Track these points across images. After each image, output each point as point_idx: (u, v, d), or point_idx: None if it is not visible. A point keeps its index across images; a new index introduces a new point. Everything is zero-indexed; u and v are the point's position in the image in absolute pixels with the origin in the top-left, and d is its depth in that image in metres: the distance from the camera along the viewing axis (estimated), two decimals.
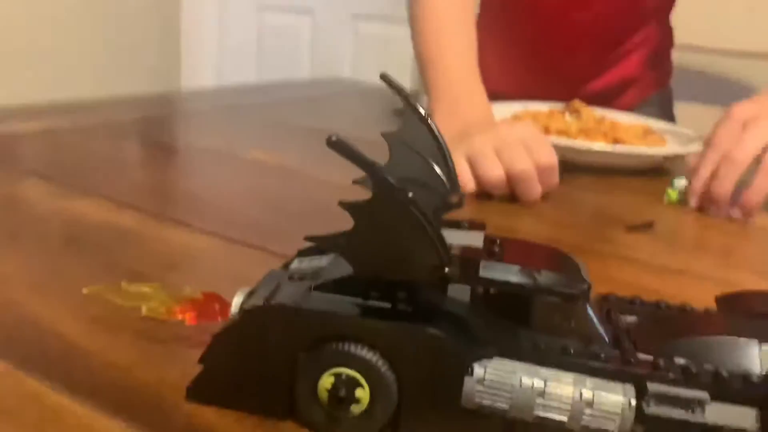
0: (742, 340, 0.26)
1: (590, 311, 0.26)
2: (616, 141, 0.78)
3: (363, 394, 0.25)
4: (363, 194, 0.24)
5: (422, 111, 0.31)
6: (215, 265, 0.41)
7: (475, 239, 0.28)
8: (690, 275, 0.46)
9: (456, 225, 0.29)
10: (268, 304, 0.26)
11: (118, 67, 0.94)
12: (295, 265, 0.31)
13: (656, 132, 0.81)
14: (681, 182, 0.64)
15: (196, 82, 1.07)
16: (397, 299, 0.26)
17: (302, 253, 0.32)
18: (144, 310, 0.31)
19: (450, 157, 0.31)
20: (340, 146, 0.20)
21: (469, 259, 0.26)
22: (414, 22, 0.77)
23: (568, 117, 0.83)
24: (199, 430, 0.26)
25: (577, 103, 0.85)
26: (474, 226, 0.29)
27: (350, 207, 0.23)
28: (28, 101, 0.78)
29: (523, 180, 0.58)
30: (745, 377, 0.24)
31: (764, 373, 0.25)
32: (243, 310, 0.26)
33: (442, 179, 0.31)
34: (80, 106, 0.82)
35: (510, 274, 0.26)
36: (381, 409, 0.25)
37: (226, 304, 0.31)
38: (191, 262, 0.42)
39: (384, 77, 0.32)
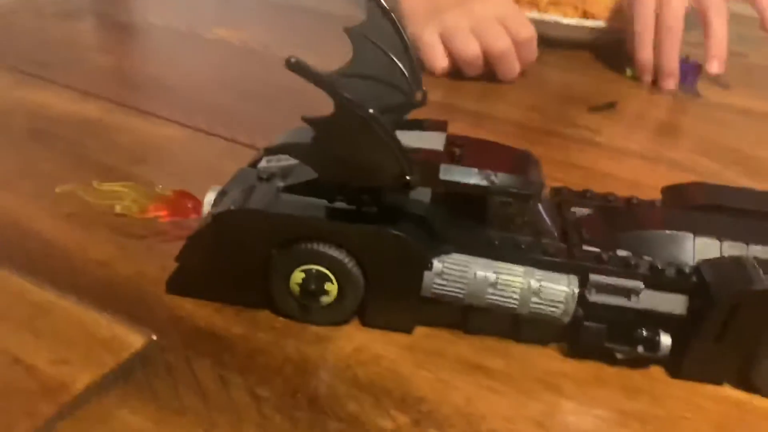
0: (679, 233, 0.28)
1: (541, 209, 0.28)
2: (585, 13, 0.77)
3: (331, 287, 0.27)
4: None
5: (386, 5, 0.31)
6: (183, 157, 0.42)
7: (436, 140, 0.29)
8: (645, 158, 0.48)
9: (419, 125, 0.30)
10: (240, 208, 0.27)
11: None
12: (263, 164, 0.31)
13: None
14: None
15: None
16: (362, 201, 0.27)
17: (269, 151, 0.32)
18: (117, 208, 0.32)
19: (414, 53, 0.31)
20: (299, 68, 0.21)
21: (430, 163, 0.27)
22: None
23: None
24: (181, 320, 0.28)
25: None
26: (436, 126, 0.30)
27: (313, 122, 0.23)
28: None
29: (502, 58, 0.57)
30: (678, 268, 0.27)
31: (695, 264, 0.27)
32: (216, 214, 0.27)
33: (405, 76, 0.31)
34: None
35: (468, 176, 0.27)
36: (349, 300, 0.28)
37: (197, 202, 0.32)
38: (159, 153, 0.42)
39: None
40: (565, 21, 0.71)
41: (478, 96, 0.57)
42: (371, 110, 0.22)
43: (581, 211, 0.32)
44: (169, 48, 0.62)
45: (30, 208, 0.35)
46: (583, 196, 0.32)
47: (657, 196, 0.33)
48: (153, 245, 0.32)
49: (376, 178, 0.26)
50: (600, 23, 0.72)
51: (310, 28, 0.71)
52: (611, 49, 0.71)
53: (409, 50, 0.31)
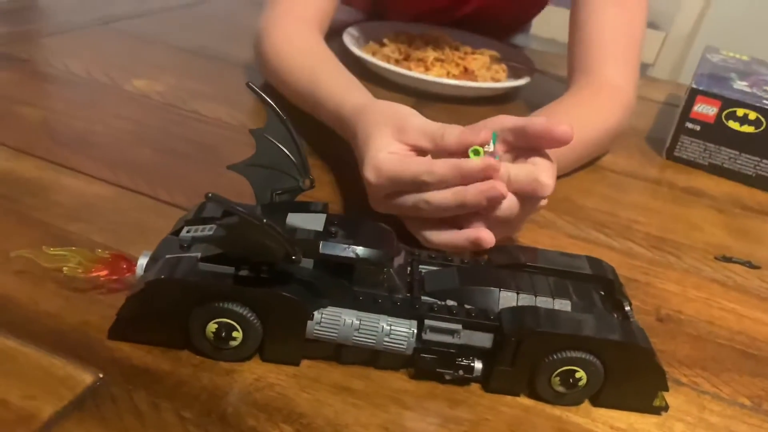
0: (490, 288, 0.40)
1: (392, 272, 0.39)
2: (465, 70, 0.90)
3: (238, 334, 0.37)
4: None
5: (281, 113, 0.41)
6: (112, 214, 0.49)
7: (318, 221, 0.39)
8: None
9: (305, 208, 0.40)
10: (167, 277, 0.36)
11: None
12: (184, 234, 0.40)
13: (502, 61, 0.94)
14: None
15: None
16: (260, 270, 0.37)
17: (189, 223, 0.41)
18: (65, 270, 0.40)
19: (303, 148, 0.41)
20: (217, 200, 0.30)
21: (312, 241, 0.37)
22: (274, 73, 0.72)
23: (429, 51, 0.92)
24: (120, 360, 0.37)
25: (435, 31, 0.95)
26: (318, 208, 0.40)
27: (226, 227, 0.33)
28: None
29: None
30: (486, 315, 0.39)
31: (498, 311, 0.39)
32: (148, 282, 0.36)
33: (296, 167, 0.41)
34: None
35: (339, 250, 0.38)
36: (251, 343, 0.37)
37: (131, 262, 0.41)
38: (91, 211, 0.49)
39: (249, 86, 0.41)
40: (444, 81, 0.83)
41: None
42: (265, 220, 0.32)
43: (426, 268, 0.43)
44: (90, 99, 0.69)
45: None
46: (429, 257, 0.44)
47: None
48: (94, 297, 0.41)
49: (270, 257, 0.35)
50: (476, 84, 0.85)
51: (218, 76, 0.80)
52: (489, 100, 0.84)
53: (299, 147, 0.41)
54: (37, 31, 0.86)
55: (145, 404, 0.34)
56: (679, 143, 0.78)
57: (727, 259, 0.58)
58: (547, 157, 0.48)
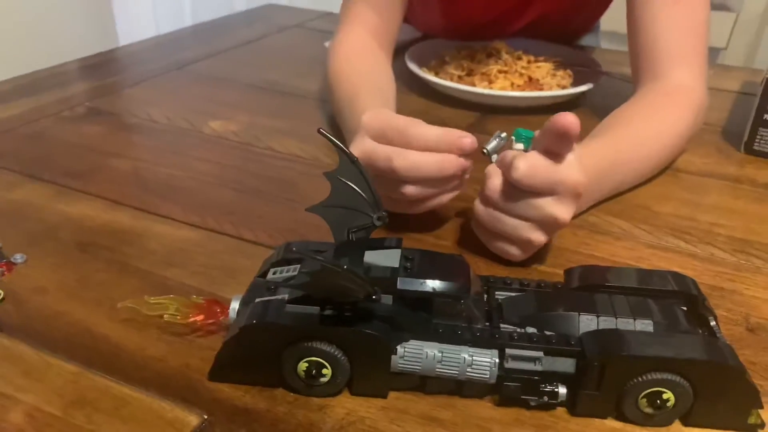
0: (569, 313, 0.40)
1: (470, 302, 0.40)
2: (530, 79, 0.90)
3: (327, 371, 0.39)
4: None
5: (352, 156, 0.43)
6: (203, 257, 0.53)
7: (393, 258, 0.40)
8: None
9: (381, 244, 0.42)
10: (260, 322, 0.38)
11: (52, 36, 0.98)
12: (270, 275, 0.43)
13: (566, 67, 0.93)
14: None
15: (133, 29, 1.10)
16: (344, 309, 0.39)
17: (275, 264, 0.44)
18: (165, 317, 0.43)
19: (374, 187, 0.43)
20: (299, 251, 0.32)
21: (389, 279, 0.39)
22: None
23: (492, 64, 0.92)
24: (220, 399, 0.40)
25: (498, 44, 0.95)
26: (393, 243, 0.42)
27: (310, 275, 0.35)
28: None
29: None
30: (567, 340, 0.39)
31: (579, 336, 0.39)
32: (242, 327, 0.39)
33: (369, 205, 0.43)
34: (24, 84, 0.89)
35: (416, 285, 0.39)
36: (340, 379, 0.39)
37: (224, 306, 0.44)
38: (183, 256, 0.53)
39: (321, 132, 0.43)
40: (510, 94, 0.84)
41: None
42: (345, 266, 0.34)
43: (503, 295, 0.43)
44: (172, 143, 0.73)
45: (96, 315, 0.46)
46: (504, 282, 0.44)
47: None
48: (193, 341, 0.44)
49: (353, 298, 0.37)
50: (538, 94, 0.85)
51: (289, 111, 0.83)
52: (556, 108, 0.83)
53: (371, 186, 0.43)
54: (120, 82, 0.92)
55: None
56: (758, 136, 0.75)
57: None
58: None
